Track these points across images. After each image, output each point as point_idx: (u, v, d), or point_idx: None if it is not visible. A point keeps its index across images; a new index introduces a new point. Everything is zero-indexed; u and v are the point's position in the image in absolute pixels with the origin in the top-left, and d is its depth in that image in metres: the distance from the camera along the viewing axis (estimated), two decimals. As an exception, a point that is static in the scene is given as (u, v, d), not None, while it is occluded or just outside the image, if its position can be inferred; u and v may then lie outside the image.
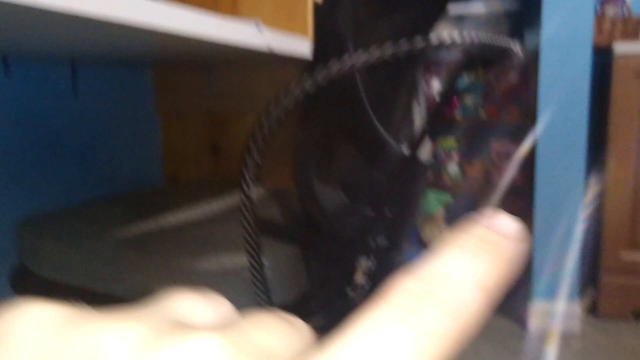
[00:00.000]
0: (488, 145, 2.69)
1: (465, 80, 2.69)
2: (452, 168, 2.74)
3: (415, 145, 0.96)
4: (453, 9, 2.57)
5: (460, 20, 2.66)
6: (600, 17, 2.36)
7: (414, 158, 0.90)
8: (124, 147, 1.43)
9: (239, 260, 0.78)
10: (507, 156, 2.64)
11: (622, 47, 2.22)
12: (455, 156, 2.73)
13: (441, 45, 0.76)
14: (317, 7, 0.77)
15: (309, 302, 0.91)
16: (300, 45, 0.87)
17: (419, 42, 0.73)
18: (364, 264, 0.82)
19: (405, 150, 0.91)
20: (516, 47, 0.90)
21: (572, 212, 2.29)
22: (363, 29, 0.87)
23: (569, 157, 2.26)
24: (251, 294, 0.70)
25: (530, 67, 2.40)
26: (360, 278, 0.82)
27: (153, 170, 1.51)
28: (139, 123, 1.46)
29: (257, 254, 0.65)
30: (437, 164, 2.76)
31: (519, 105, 2.56)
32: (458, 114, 2.69)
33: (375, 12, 0.88)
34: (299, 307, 0.90)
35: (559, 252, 2.33)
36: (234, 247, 0.79)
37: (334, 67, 0.71)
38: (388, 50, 0.73)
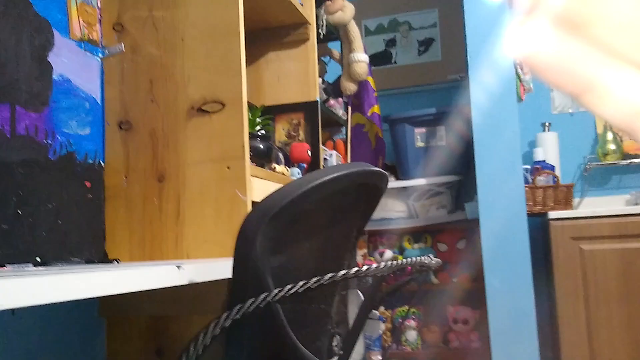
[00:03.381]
0: (444, 311, 2.72)
1: (416, 247, 2.77)
2: (411, 335, 2.73)
3: (344, 356, 0.98)
4: (399, 183, 2.72)
5: (405, 191, 2.81)
6: (532, 187, 2.53)
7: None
8: (68, 356, 1.41)
9: None
10: (463, 321, 2.66)
11: (555, 214, 2.37)
12: (413, 323, 2.74)
13: (361, 275, 0.82)
14: (237, 236, 0.83)
15: None
16: (226, 269, 0.92)
17: (337, 275, 0.78)
18: None
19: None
20: (429, 260, 0.96)
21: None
22: (285, 252, 0.93)
23: (520, 321, 2.29)
24: None
25: (474, 234, 2.51)
26: None
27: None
28: (84, 329, 1.45)
29: None
30: (396, 332, 2.75)
31: (468, 270, 2.63)
32: (412, 282, 2.74)
33: (298, 235, 0.94)
34: None
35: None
36: None
37: (249, 303, 0.76)
38: (305, 284, 0.78)
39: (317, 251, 0.95)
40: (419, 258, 0.92)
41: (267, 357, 0.92)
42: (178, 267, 0.78)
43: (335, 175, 0.88)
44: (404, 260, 0.88)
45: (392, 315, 2.75)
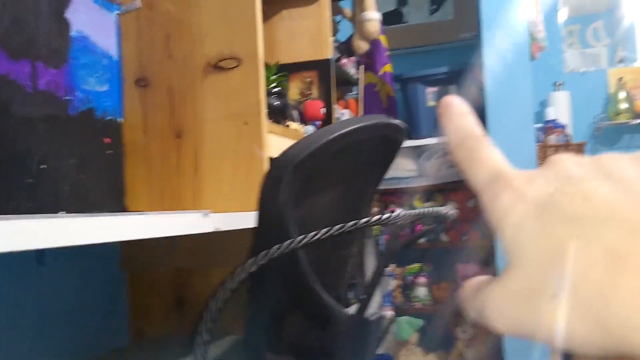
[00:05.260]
0: (454, 268, 2.76)
1: (426, 206, 2.80)
2: (421, 291, 2.78)
3: (364, 302, 1.01)
4: (410, 142, 2.73)
5: (416, 150, 2.82)
6: (543, 145, 2.54)
7: (361, 317, 0.96)
8: (90, 308, 1.45)
9: None
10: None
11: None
12: (423, 280, 2.79)
13: (381, 223, 0.84)
14: (262, 184, 0.86)
15: None
16: (250, 219, 0.94)
17: (359, 222, 0.81)
18: None
19: (353, 310, 0.97)
20: (447, 210, 0.99)
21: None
22: (306, 202, 0.95)
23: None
24: None
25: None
26: None
27: (119, 329, 1.53)
28: (106, 282, 1.50)
29: None
30: (406, 288, 2.80)
31: (478, 228, 2.66)
32: (426, 235, 2.78)
33: (319, 186, 0.97)
34: None
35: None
36: None
37: (274, 249, 0.78)
38: (328, 231, 0.81)
39: (335, 203, 0.97)
40: (437, 208, 0.94)
41: (289, 304, 0.95)
42: (204, 214, 0.81)
43: (356, 126, 0.90)
44: (423, 209, 0.90)
45: (402, 272, 2.80)
